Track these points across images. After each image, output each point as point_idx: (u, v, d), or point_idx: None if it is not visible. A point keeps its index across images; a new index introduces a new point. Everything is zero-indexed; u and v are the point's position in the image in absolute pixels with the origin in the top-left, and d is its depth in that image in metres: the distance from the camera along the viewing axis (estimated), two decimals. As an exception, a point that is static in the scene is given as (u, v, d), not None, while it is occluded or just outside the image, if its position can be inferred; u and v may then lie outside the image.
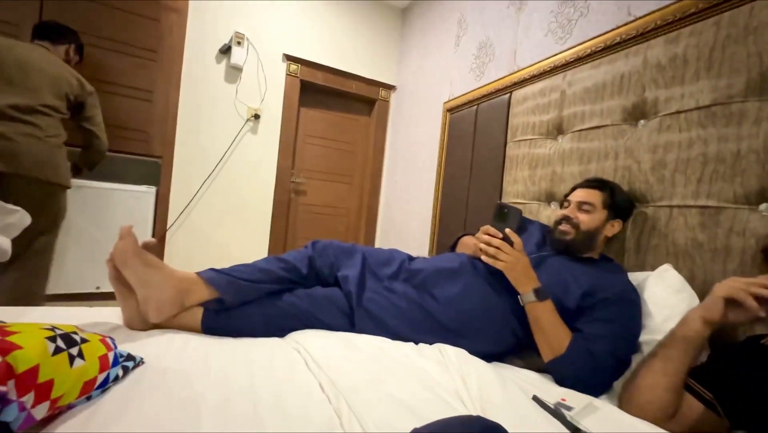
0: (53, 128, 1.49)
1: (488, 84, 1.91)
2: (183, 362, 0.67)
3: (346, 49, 2.79)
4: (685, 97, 1.07)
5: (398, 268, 1.06)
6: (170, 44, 2.20)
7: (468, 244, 1.20)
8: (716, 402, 0.67)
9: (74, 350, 0.47)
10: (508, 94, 1.74)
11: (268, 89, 2.55)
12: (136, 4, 2.09)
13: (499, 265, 0.92)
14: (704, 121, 1.02)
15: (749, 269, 0.88)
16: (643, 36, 1.21)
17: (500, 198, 1.72)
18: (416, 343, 0.91)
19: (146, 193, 2.11)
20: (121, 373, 0.57)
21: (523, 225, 1.20)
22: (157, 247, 2.19)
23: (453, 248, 1.31)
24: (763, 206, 0.90)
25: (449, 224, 2.11)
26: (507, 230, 0.93)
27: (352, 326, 0.94)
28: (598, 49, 1.34)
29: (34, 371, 0.40)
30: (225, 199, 2.47)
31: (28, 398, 0.39)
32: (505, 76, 1.80)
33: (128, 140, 2.09)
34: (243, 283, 0.91)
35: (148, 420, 0.48)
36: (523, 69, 1.69)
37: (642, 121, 1.18)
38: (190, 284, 0.88)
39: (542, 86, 1.56)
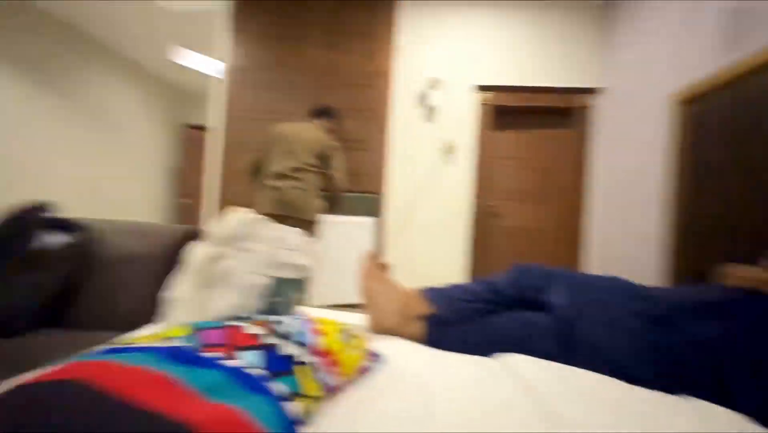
0: (310, 180, 2.10)
1: (749, 58, 1.43)
2: (416, 364, 0.79)
3: (538, 64, 2.69)
4: None
5: (625, 298, 0.91)
6: (379, 101, 2.71)
7: (743, 275, 0.90)
8: None
9: (352, 342, 0.65)
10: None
11: (462, 121, 2.74)
12: (359, 77, 2.70)
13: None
14: None
15: None
16: None
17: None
18: (647, 386, 0.75)
19: (369, 223, 2.61)
20: (373, 366, 0.73)
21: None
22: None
23: (703, 277, 1.02)
24: None
25: (694, 247, 1.63)
26: None
27: (565, 357, 0.87)
28: None
29: (334, 353, 0.58)
30: (428, 225, 2.76)
31: (334, 371, 0.57)
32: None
33: (354, 182, 2.66)
34: (456, 300, 1.00)
35: (398, 404, 0.60)
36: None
37: None
38: (413, 298, 1.04)
39: None
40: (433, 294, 1.02)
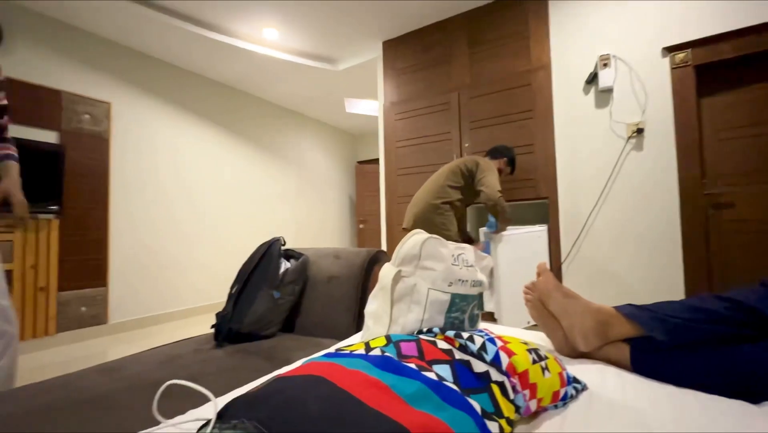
0: (441, 195, 2.20)
1: None
2: (626, 397, 0.67)
3: (767, -7, 1.95)
4: None
5: None
6: (541, 97, 2.49)
7: None
8: None
9: (543, 363, 0.60)
10: None
11: (649, 96, 2.23)
12: (512, 80, 2.57)
13: None
14: None
15: None
16: None
17: None
18: None
19: (540, 231, 2.39)
20: (573, 393, 0.65)
21: None
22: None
23: None
24: None
25: None
26: None
27: None
28: None
29: (526, 373, 0.55)
30: (616, 228, 2.31)
31: (526, 393, 0.54)
32: None
33: (521, 189, 2.50)
34: (671, 320, 0.80)
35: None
36: None
37: None
38: (609, 316, 0.88)
39: None
40: (637, 312, 0.84)
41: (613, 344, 0.88)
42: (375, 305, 0.88)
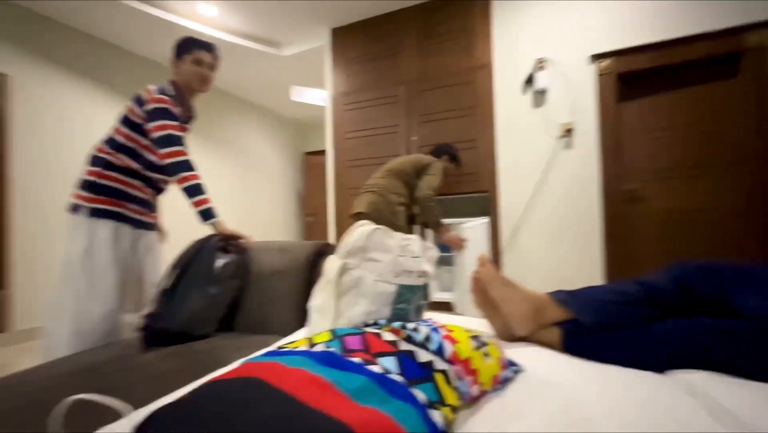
0: (390, 187, 2.16)
1: None
2: (558, 376, 0.71)
3: (675, 10, 2.20)
4: None
5: None
6: (483, 94, 2.59)
7: None
8: None
9: (485, 349, 0.62)
10: None
11: (577, 99, 2.42)
12: (457, 76, 2.64)
13: None
14: None
15: None
16: None
17: None
18: None
19: (481, 223, 2.50)
20: (511, 375, 0.69)
21: None
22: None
23: None
24: None
25: None
26: None
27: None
28: None
29: (468, 360, 0.56)
30: (548, 221, 2.50)
31: (469, 379, 0.55)
32: None
33: (464, 183, 2.59)
34: (595, 303, 0.87)
35: (547, 417, 0.54)
36: None
37: None
38: (543, 302, 0.95)
39: None
40: (568, 298, 0.91)
41: (547, 328, 0.95)
42: (320, 299, 0.85)
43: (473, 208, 2.75)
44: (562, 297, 0.93)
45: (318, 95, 4.14)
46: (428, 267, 0.86)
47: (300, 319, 1.26)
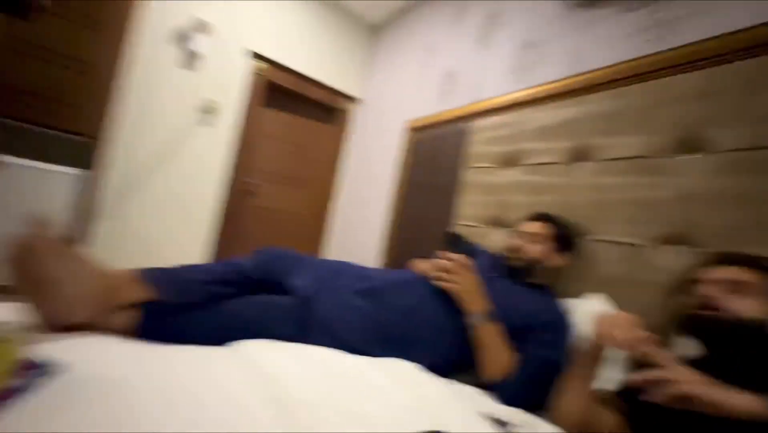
0: None
1: (452, 110, 2.02)
2: (116, 370, 0.60)
3: (314, 56, 2.78)
4: (619, 146, 1.22)
5: (351, 278, 1.05)
6: (117, 12, 1.98)
7: (420, 266, 1.24)
8: (631, 414, 0.76)
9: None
10: (470, 123, 1.85)
11: (229, 84, 2.44)
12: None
13: (451, 287, 0.96)
14: (632, 169, 1.17)
15: (656, 297, 0.97)
16: (589, 89, 1.36)
17: (453, 220, 1.80)
18: (369, 356, 0.91)
19: (71, 175, 1.87)
20: (40, 381, 0.50)
21: (472, 250, 1.28)
22: (80, 237, 1.95)
23: (404, 264, 1.35)
24: (670, 247, 1.05)
25: (404, 242, 2.15)
26: (457, 255, 0.98)
27: (303, 338, 0.91)
28: (551, 94, 1.49)
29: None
30: (166, 193, 2.29)
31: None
32: (468, 105, 1.92)
33: (52, 113, 1.83)
34: (183, 280, 0.85)
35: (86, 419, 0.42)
36: (485, 101, 1.81)
37: (584, 163, 1.32)
38: (122, 280, 0.81)
39: (501, 119, 1.68)
40: (156, 276, 0.83)
41: (123, 311, 0.80)
42: None
43: (64, 153, 2.00)
44: (149, 274, 0.83)
45: None
46: None
47: None
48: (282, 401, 0.58)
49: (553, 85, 1.49)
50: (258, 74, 2.55)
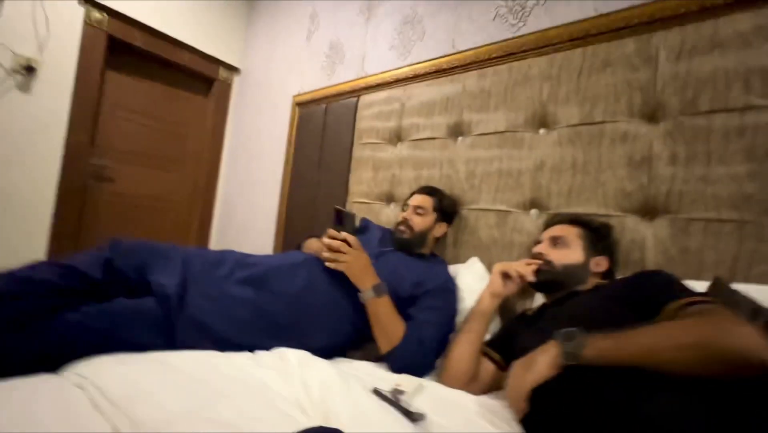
0: None
1: (338, 84, 1.94)
2: None
3: (179, 13, 2.35)
4: (488, 122, 1.34)
5: (231, 268, 0.94)
6: None
7: (312, 246, 1.19)
8: (504, 363, 0.85)
9: None
10: (356, 98, 1.81)
11: (52, 36, 1.90)
12: None
13: (340, 266, 0.94)
14: (500, 143, 1.30)
15: (525, 257, 1.13)
16: (463, 68, 1.44)
17: (346, 198, 1.77)
18: (252, 350, 0.83)
19: None
20: None
21: (362, 226, 1.28)
22: None
23: (298, 249, 1.28)
24: (533, 212, 1.20)
25: (297, 223, 2.04)
26: (343, 233, 0.96)
27: (171, 342, 0.78)
28: (430, 71, 1.54)
29: None
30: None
31: None
32: (354, 80, 1.86)
33: None
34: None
35: None
36: (370, 76, 1.79)
37: (460, 138, 1.42)
38: None
39: (386, 95, 1.68)
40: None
41: None
42: None
43: None
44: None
45: None
46: None
47: None
48: (130, 427, 0.47)
49: (433, 63, 1.54)
50: (94, 26, 2.03)
